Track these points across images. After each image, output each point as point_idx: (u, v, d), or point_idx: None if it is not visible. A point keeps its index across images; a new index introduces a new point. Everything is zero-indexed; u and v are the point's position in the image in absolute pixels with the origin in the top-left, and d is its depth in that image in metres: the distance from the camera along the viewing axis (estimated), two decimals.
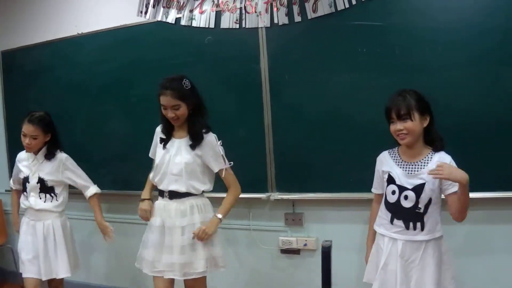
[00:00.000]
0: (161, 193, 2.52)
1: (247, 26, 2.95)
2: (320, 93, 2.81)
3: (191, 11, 3.12)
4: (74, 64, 3.66)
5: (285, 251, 3.04)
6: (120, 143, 3.53)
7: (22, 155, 3.05)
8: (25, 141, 2.87)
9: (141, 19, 3.32)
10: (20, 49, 3.96)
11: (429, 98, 2.16)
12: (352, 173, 2.75)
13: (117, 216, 3.65)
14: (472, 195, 1.98)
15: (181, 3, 3.16)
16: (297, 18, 2.80)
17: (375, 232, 2.28)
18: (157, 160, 2.53)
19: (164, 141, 2.51)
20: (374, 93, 2.62)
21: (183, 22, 3.15)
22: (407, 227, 2.10)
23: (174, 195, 2.46)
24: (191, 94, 2.40)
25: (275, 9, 2.85)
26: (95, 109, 3.60)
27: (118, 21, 3.43)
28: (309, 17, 2.77)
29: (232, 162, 2.49)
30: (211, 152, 2.43)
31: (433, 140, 2.10)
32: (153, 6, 3.25)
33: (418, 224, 2.07)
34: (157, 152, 2.55)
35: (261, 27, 2.91)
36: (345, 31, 2.70)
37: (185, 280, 2.48)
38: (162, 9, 3.22)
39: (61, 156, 2.98)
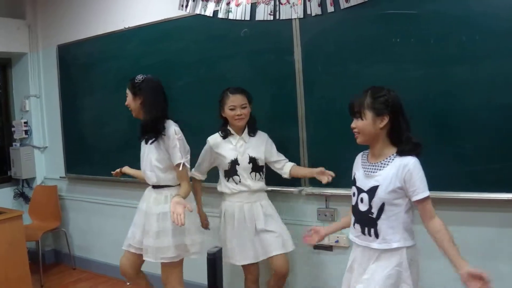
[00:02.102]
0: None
1: (281, 18, 2.91)
2: (354, 85, 2.66)
3: (228, 3, 3.13)
4: (121, 57, 3.82)
5: (318, 247, 2.98)
6: None
7: (216, 139, 2.82)
8: (236, 112, 2.68)
9: (182, 13, 3.38)
10: (74, 43, 4.20)
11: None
12: None
13: None
14: None
15: None
16: (330, 9, 2.73)
17: (346, 221, 2.21)
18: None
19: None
20: (408, 85, 2.51)
21: (220, 15, 3.17)
22: (363, 232, 2.00)
23: (154, 185, 2.76)
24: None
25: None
26: None
27: (161, 15, 3.53)
28: (341, 7, 2.68)
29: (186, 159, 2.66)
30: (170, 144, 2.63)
31: (399, 143, 1.94)
32: (193, 0, 3.29)
33: (372, 230, 1.95)
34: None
35: (295, 19, 2.86)
36: (378, 20, 2.59)
37: (161, 264, 2.70)
38: (201, 2, 3.25)
39: (263, 133, 2.86)
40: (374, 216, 1.95)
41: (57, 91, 4.39)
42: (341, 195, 2.85)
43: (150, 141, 2.67)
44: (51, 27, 4.46)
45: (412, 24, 2.50)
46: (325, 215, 2.95)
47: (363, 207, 1.99)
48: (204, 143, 2.86)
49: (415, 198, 1.88)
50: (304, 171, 2.83)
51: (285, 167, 2.82)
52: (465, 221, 2.48)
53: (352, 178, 2.13)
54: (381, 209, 1.93)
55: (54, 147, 4.53)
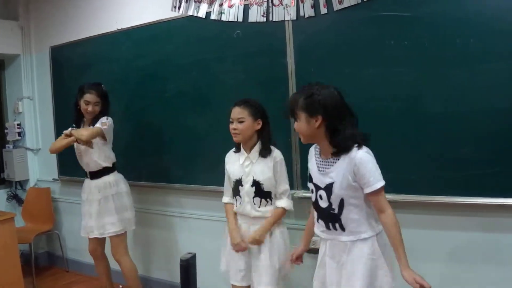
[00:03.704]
0: (85, 173, 3.33)
1: (274, 19, 2.89)
2: (347, 87, 2.61)
3: (220, 5, 3.11)
4: (114, 58, 3.80)
5: (310, 250, 2.95)
6: (155, 136, 3.61)
7: (230, 154, 2.67)
8: (232, 126, 2.48)
9: (175, 14, 3.36)
10: (67, 44, 4.18)
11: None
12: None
13: (152, 208, 3.75)
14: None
15: None
16: (323, 10, 2.71)
17: (311, 234, 2.26)
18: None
19: None
20: (402, 88, 2.51)
21: (213, 17, 3.15)
22: (328, 227, 2.00)
23: (92, 175, 3.27)
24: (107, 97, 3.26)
25: (301, 1, 2.77)
26: (132, 103, 3.70)
27: (153, 17, 3.51)
28: (335, 9, 2.66)
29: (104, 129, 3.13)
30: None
31: (336, 142, 1.92)
32: (186, 1, 3.27)
33: (337, 225, 1.95)
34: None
35: (288, 20, 2.84)
36: (372, 22, 2.57)
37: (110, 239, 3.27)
38: (193, 3, 3.23)
39: (277, 153, 2.52)
40: (336, 212, 1.95)
41: (50, 92, 4.37)
42: None
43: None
44: (44, 28, 4.44)
45: (405, 27, 2.48)
46: None
47: (323, 204, 1.99)
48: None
49: (365, 191, 1.89)
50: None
51: (276, 203, 2.53)
52: (454, 225, 2.47)
53: (308, 173, 2.11)
54: (341, 205, 1.93)
55: (47, 149, 4.47)
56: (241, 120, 2.46)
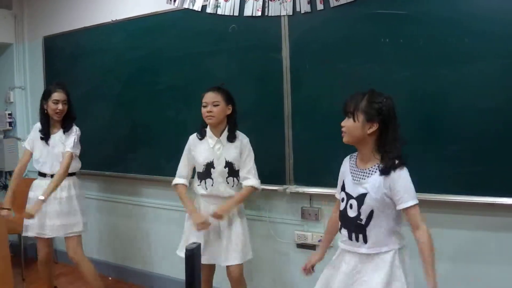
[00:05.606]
0: (44, 174, 3.19)
1: (270, 14, 2.88)
2: (341, 84, 2.70)
3: None
4: (107, 50, 3.77)
5: (301, 246, 2.97)
6: (145, 128, 3.60)
7: (195, 139, 2.76)
8: (207, 109, 2.61)
9: (170, 7, 3.34)
10: (61, 34, 4.14)
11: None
12: None
13: (142, 200, 3.75)
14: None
15: None
16: (320, 6, 2.71)
17: (329, 239, 2.30)
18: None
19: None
20: (396, 85, 2.50)
21: (209, 10, 3.13)
22: (350, 238, 1.99)
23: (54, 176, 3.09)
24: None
25: None
26: (125, 94, 3.68)
27: (148, 9, 3.48)
28: (331, 5, 2.66)
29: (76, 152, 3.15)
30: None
31: (382, 154, 1.91)
32: None
33: (360, 236, 1.95)
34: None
35: (284, 16, 2.84)
36: (367, 20, 2.58)
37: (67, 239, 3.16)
38: None
39: (243, 137, 2.72)
40: (363, 222, 1.94)
41: (43, 82, 4.31)
42: (325, 194, 2.83)
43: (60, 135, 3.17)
44: (38, 17, 4.40)
45: (401, 25, 2.49)
46: (309, 214, 2.93)
47: (351, 213, 1.99)
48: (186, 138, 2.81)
49: (399, 207, 1.89)
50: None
51: (244, 183, 2.70)
52: (447, 223, 2.48)
53: (341, 183, 2.10)
54: (370, 216, 1.93)
55: None
56: (216, 104, 2.61)
